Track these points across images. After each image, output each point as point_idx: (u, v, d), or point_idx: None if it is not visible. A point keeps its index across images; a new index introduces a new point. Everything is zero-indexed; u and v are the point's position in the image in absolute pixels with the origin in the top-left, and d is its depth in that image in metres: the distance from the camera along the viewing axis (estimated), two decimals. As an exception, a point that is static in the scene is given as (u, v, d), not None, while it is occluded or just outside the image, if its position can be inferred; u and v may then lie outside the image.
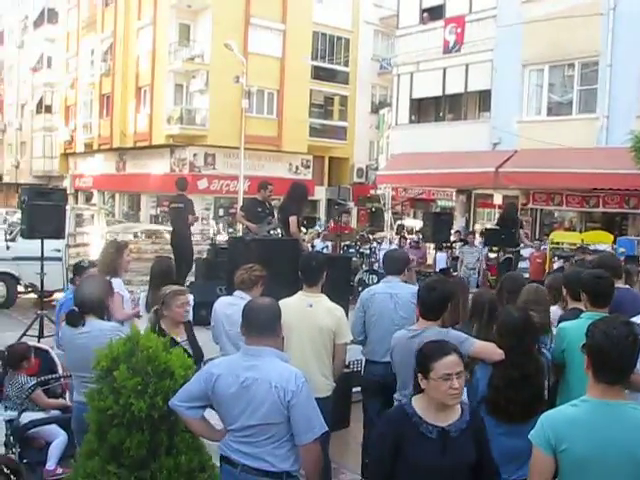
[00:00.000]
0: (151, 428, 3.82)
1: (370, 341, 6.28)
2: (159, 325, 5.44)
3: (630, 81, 17.95)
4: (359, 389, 7.63)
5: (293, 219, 10.22)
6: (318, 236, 18.83)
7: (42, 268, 11.14)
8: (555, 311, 5.83)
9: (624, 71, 18.09)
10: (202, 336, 7.15)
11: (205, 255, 14.04)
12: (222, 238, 22.17)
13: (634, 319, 4.88)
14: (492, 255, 17.91)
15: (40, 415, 6.22)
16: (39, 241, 11.03)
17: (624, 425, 3.05)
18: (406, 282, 6.49)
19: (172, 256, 11.67)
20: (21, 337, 10.39)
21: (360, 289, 14.66)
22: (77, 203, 39.62)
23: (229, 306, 6.05)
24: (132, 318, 6.66)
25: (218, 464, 4.04)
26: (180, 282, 7.87)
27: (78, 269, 7.22)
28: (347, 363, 7.28)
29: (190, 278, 13.45)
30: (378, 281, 14.53)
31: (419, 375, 3.54)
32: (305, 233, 14.31)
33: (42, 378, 6.23)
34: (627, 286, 6.59)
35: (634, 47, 17.79)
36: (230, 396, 3.79)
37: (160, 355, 3.95)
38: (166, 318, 5.50)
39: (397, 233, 25.43)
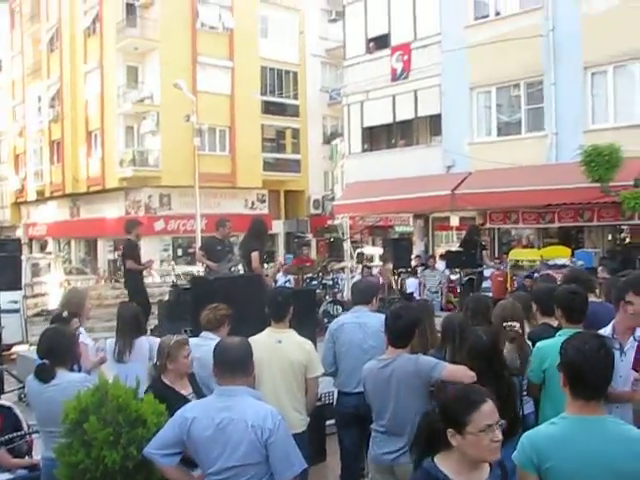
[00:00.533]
0: (126, 479, 3.73)
1: (341, 372, 6.24)
2: (161, 380, 5.07)
3: (574, 98, 18.36)
4: (333, 421, 7.58)
5: (255, 255, 10.22)
6: (279, 271, 18.75)
7: (0, 322, 10.88)
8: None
9: (568, 88, 18.50)
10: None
11: (167, 297, 13.82)
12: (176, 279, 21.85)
13: (602, 331, 4.94)
14: (454, 277, 18.03)
15: (6, 476, 6.01)
16: (-6, 294, 10.79)
17: (604, 439, 3.06)
18: (376, 311, 6.49)
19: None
20: (-18, 394, 10.10)
21: (325, 320, 14.63)
22: (32, 252, 38.97)
23: (197, 348, 5.94)
24: (98, 366, 6.53)
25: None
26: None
27: (59, 320, 6.96)
28: (319, 396, 7.21)
29: (153, 321, 13.27)
30: (343, 311, 14.62)
31: (449, 432, 3.02)
32: (267, 268, 14.20)
33: (6, 437, 6.02)
34: (600, 300, 6.61)
35: (575, 65, 18.22)
36: (206, 439, 3.72)
37: (131, 403, 3.88)
38: (170, 371, 5.06)
39: (358, 262, 25.52)
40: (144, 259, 13.02)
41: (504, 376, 4.66)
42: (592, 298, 5.87)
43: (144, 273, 13.30)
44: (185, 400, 4.60)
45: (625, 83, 17.91)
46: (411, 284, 17.94)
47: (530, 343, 5.32)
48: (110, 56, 35.22)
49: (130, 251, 12.37)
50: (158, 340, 6.68)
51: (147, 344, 6.54)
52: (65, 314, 6.76)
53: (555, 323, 5.51)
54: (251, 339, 4.85)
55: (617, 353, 4.72)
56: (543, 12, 19.03)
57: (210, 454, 3.74)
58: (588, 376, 3.09)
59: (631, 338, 4.89)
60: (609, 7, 17.50)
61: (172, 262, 30.70)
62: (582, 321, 4.96)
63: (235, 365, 3.86)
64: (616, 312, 5.04)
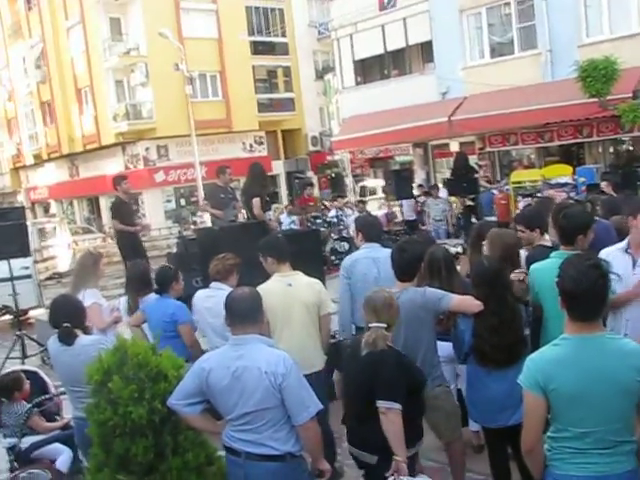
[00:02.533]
0: (154, 432, 3.86)
1: (357, 308, 6.33)
2: None
3: (567, 12, 18.06)
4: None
5: (256, 200, 10.25)
6: (283, 212, 18.74)
7: (14, 289, 11.01)
8: (522, 254, 5.91)
9: (560, 3, 18.19)
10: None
11: (175, 249, 13.88)
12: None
13: (618, 246, 4.98)
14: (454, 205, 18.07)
15: (40, 437, 6.21)
16: (6, 262, 10.90)
17: (605, 355, 3.16)
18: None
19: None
20: (5, 361, 10.31)
21: (333, 258, 14.75)
22: (36, 217, 39.05)
23: (208, 299, 6.08)
24: (112, 325, 6.65)
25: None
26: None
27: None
28: (332, 333, 7.34)
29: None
30: (350, 247, 14.69)
31: None
32: (272, 210, 14.16)
33: (35, 401, 6.19)
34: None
35: (567, -22, 17.92)
36: (224, 388, 3.84)
37: (150, 360, 3.99)
38: None
39: (361, 195, 25.52)
40: (148, 213, 12.95)
41: (508, 300, 4.78)
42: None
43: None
44: None
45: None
46: (407, 207, 18.12)
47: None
48: (90, 9, 34.51)
49: (117, 210, 11.90)
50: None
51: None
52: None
53: (549, 242, 5.60)
54: (261, 287, 4.95)
55: (630, 266, 4.81)
56: None
57: (228, 402, 3.86)
58: (586, 303, 3.17)
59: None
60: None
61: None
62: (575, 244, 4.96)
63: (245, 315, 3.95)
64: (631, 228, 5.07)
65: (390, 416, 3.96)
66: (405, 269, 5.00)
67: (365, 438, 4.21)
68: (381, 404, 3.99)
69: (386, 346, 4.14)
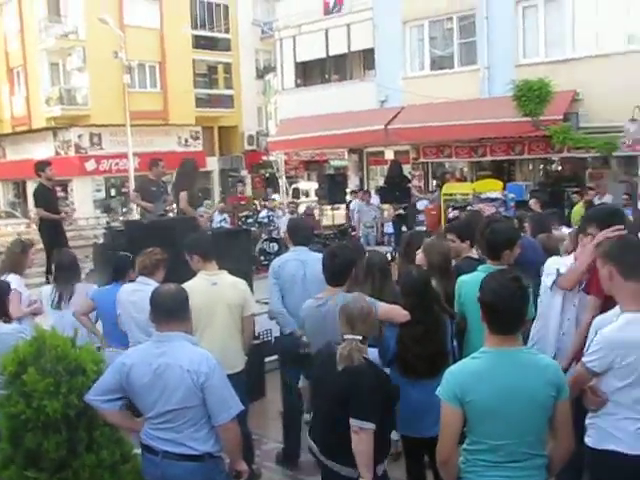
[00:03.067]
0: (68, 427, 3.77)
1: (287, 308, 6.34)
2: None
3: (506, 32, 18.44)
4: (271, 358, 7.74)
5: (183, 195, 10.18)
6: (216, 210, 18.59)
7: None
8: None
9: (500, 23, 18.55)
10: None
11: (101, 240, 13.61)
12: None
13: (564, 260, 5.07)
14: (385, 212, 18.28)
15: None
16: None
17: (522, 370, 3.25)
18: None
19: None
20: None
21: (262, 258, 14.73)
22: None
23: (134, 293, 5.99)
24: (30, 315, 6.48)
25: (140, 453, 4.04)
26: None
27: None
28: (257, 334, 7.33)
29: (88, 264, 13.12)
30: (279, 248, 14.70)
31: None
32: (204, 207, 13.99)
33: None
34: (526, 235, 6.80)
35: (507, -1, 18.32)
36: (145, 385, 3.79)
37: (69, 352, 3.90)
38: None
39: (293, 197, 25.57)
40: (77, 201, 12.66)
41: (434, 311, 4.83)
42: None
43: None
44: None
45: (555, 16, 18.02)
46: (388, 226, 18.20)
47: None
48: (27, -13, 33.68)
49: (40, 197, 11.63)
50: (94, 286, 6.68)
51: (83, 290, 6.52)
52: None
53: (476, 256, 5.71)
54: (186, 285, 4.89)
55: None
56: (475, -56, 18.95)
57: (148, 399, 3.81)
58: (506, 317, 3.26)
59: None
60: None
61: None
62: (502, 258, 5.08)
63: (170, 312, 3.91)
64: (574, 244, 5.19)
65: (362, 436, 3.82)
66: (336, 274, 5.01)
67: (340, 450, 3.99)
68: (355, 423, 3.82)
69: (362, 359, 3.96)
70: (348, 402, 3.84)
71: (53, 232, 11.41)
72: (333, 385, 3.96)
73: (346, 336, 4.00)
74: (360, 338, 3.98)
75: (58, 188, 16.28)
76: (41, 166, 11.72)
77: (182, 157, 11.75)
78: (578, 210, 12.06)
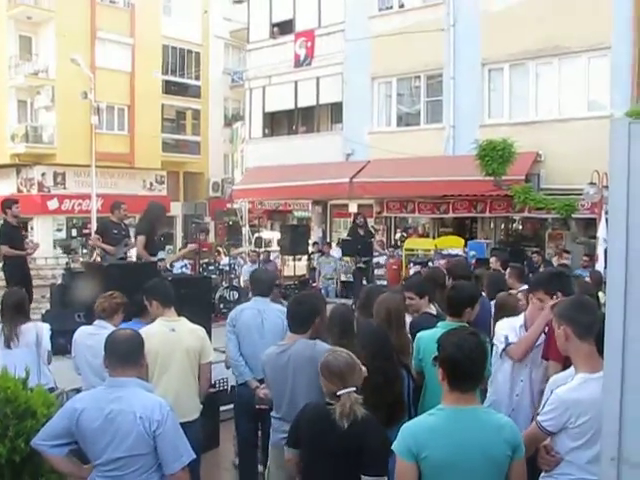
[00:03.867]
0: (12, 473, 3.67)
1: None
2: None
3: (472, 92, 18.90)
4: (226, 407, 7.64)
5: (140, 239, 10.15)
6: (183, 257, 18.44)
7: None
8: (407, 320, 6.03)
9: (466, 83, 19.01)
10: (63, 365, 6.94)
11: (60, 280, 13.43)
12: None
13: (499, 326, 5.12)
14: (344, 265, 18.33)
15: None
16: None
17: (478, 428, 3.25)
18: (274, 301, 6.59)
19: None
20: None
21: (222, 306, 14.62)
22: None
23: (90, 336, 5.92)
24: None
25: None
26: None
27: None
28: (213, 382, 7.25)
29: (45, 305, 12.91)
30: (239, 297, 14.63)
31: None
32: (167, 252, 13.90)
33: None
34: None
35: (473, 61, 18.78)
36: (95, 430, 3.71)
37: (20, 394, 3.82)
38: None
39: (256, 246, 25.51)
40: (37, 240, 12.50)
41: (393, 360, 4.84)
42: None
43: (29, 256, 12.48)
44: None
45: (520, 80, 18.54)
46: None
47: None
48: (1, 24, 33.57)
49: (5, 235, 11.46)
50: (46, 326, 6.57)
51: (34, 330, 6.39)
52: None
53: (434, 311, 5.75)
54: (144, 330, 4.84)
55: None
56: (445, 7, 19.49)
57: (98, 445, 3.73)
58: (467, 371, 3.28)
59: None
60: (507, 6, 18.06)
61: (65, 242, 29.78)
62: (462, 315, 5.16)
63: (125, 357, 3.87)
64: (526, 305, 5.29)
65: None
66: (300, 321, 4.98)
67: None
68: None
69: (364, 412, 3.79)
70: (358, 459, 3.69)
71: (18, 270, 11.26)
72: (339, 445, 3.75)
73: (339, 392, 3.80)
74: (354, 389, 3.85)
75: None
76: (7, 203, 11.63)
77: (146, 201, 11.69)
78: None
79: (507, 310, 5.81)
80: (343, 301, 13.49)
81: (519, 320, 5.12)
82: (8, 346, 6.29)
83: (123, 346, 3.90)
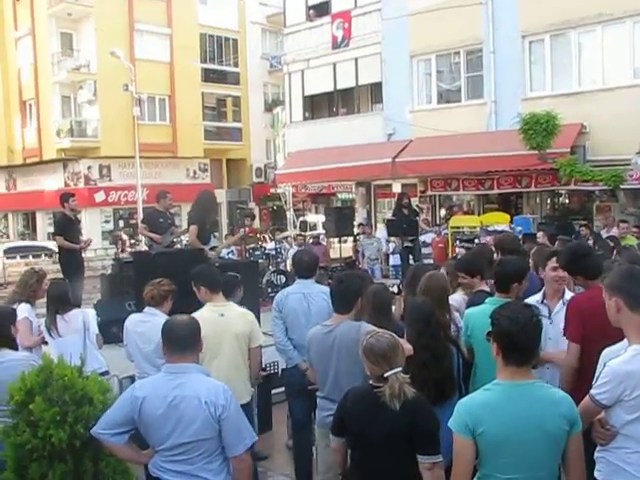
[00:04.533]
0: (74, 457, 3.76)
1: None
2: None
3: (513, 66, 18.60)
4: (278, 390, 7.71)
5: (193, 228, 10.25)
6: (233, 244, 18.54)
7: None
8: (456, 298, 6.00)
9: (506, 57, 18.72)
10: (115, 354, 7.08)
11: (109, 271, 13.66)
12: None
13: (532, 298, 5.15)
14: (392, 245, 18.25)
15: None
16: None
17: (533, 403, 3.23)
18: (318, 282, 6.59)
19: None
20: None
21: (269, 290, 14.69)
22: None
23: (140, 324, 6.01)
24: (39, 344, 6.50)
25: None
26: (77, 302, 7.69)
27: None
28: (264, 366, 7.30)
29: (96, 295, 13.16)
30: (286, 280, 14.68)
31: None
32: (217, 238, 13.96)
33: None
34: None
35: (513, 34, 18.46)
36: (158, 417, 3.76)
37: (76, 382, 3.89)
38: None
39: (301, 230, 25.61)
40: (86, 232, 12.73)
41: (440, 336, 4.84)
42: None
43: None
44: None
45: (561, 51, 18.18)
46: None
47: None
48: (42, 22, 34.19)
49: (60, 226, 11.95)
50: (92, 311, 6.75)
51: (81, 316, 6.53)
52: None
53: (488, 289, 5.72)
54: (193, 315, 4.89)
55: (545, 318, 4.97)
56: (481, -20, 19.16)
57: (162, 431, 3.78)
58: (522, 344, 3.25)
59: (560, 302, 5.15)
60: (546, -25, 17.70)
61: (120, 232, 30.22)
62: (510, 291, 5.11)
63: (184, 342, 3.91)
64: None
65: (436, 471, 3.64)
66: (342, 301, 5.00)
67: None
68: (425, 459, 3.62)
69: (414, 392, 3.75)
70: (411, 439, 3.64)
71: (73, 262, 11.53)
72: (391, 427, 3.67)
73: (387, 374, 3.72)
74: (400, 370, 3.78)
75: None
76: (65, 197, 12.01)
77: (191, 189, 11.83)
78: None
79: None
80: (390, 281, 13.49)
81: (538, 296, 5.20)
82: (57, 334, 6.43)
83: (182, 332, 3.94)
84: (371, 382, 3.84)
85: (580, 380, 4.29)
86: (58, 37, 34.52)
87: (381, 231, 19.17)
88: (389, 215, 20.83)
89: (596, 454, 3.59)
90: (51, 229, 34.73)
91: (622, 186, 15.86)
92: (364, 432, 3.78)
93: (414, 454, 3.64)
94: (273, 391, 7.91)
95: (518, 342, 3.24)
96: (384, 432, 3.68)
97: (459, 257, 9.07)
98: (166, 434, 3.78)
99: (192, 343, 3.96)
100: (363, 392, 3.92)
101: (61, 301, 6.54)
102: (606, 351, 3.78)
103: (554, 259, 5.19)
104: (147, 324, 5.88)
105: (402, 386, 3.70)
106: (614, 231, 14.33)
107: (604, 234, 13.92)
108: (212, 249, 10.93)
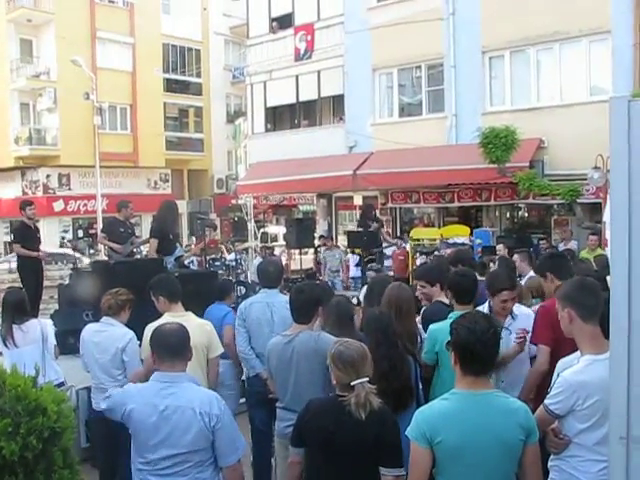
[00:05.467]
0: (26, 470, 3.66)
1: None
2: None
3: (473, 81, 18.85)
4: (239, 401, 7.65)
5: (152, 242, 10.23)
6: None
7: None
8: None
9: (467, 72, 18.96)
10: (72, 364, 6.98)
11: (67, 280, 13.46)
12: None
13: (480, 308, 5.22)
14: (355, 257, 18.31)
15: None
16: None
17: (491, 412, 3.27)
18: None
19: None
20: None
21: (230, 301, 14.60)
22: None
23: (97, 334, 5.95)
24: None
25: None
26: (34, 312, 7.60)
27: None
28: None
29: (53, 305, 12.95)
30: (246, 292, 14.60)
31: None
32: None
33: None
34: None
35: (474, 49, 18.72)
36: (149, 426, 3.73)
37: (30, 392, 3.80)
38: None
39: (262, 241, 25.55)
40: (44, 240, 12.59)
41: (398, 347, 4.84)
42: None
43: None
44: None
45: (521, 68, 18.49)
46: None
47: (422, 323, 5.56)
48: (1, 27, 33.58)
49: (19, 234, 11.95)
50: (49, 322, 6.65)
51: (38, 326, 6.44)
52: None
53: (447, 300, 5.77)
54: (150, 326, 4.85)
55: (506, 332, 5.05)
56: (443, -4, 19.41)
57: (149, 442, 3.74)
58: (479, 353, 3.28)
59: (509, 317, 5.26)
60: (507, -7, 18.00)
61: (74, 242, 29.86)
62: (472, 302, 5.20)
63: (174, 350, 3.89)
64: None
65: None
66: (301, 311, 5.03)
67: None
68: (389, 472, 3.57)
69: (380, 402, 3.69)
70: (374, 452, 3.60)
71: (33, 270, 11.45)
72: (355, 437, 3.61)
73: (354, 382, 3.68)
74: (367, 379, 3.73)
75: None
76: (23, 204, 11.98)
77: (151, 200, 11.80)
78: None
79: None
80: (351, 293, 13.49)
81: (485, 308, 5.32)
82: (13, 344, 6.32)
83: (172, 340, 3.91)
84: (337, 392, 3.79)
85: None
86: (17, 43, 33.98)
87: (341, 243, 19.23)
88: (350, 227, 20.89)
89: (550, 463, 3.64)
90: (8, 238, 34.17)
91: (579, 200, 16.14)
92: (328, 442, 3.70)
93: (377, 466, 3.61)
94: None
95: (475, 352, 3.27)
96: (349, 441, 3.64)
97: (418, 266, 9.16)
98: (155, 445, 3.74)
99: (182, 351, 3.94)
100: (327, 402, 3.89)
101: (17, 309, 6.43)
102: (560, 362, 3.84)
103: (505, 293, 5.26)
104: (104, 334, 5.82)
105: (368, 396, 3.64)
106: (571, 244, 14.57)
107: (561, 247, 14.14)
108: (177, 259, 10.88)
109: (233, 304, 7.61)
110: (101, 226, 25.43)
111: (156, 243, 10.16)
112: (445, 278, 5.79)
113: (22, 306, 6.52)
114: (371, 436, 3.58)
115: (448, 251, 13.63)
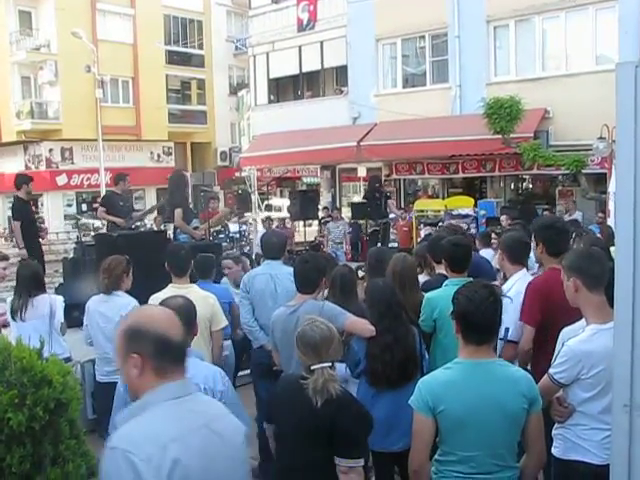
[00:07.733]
0: (33, 440, 3.69)
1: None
2: None
3: (477, 51, 18.69)
4: (243, 373, 7.70)
5: (178, 212, 10.19)
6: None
7: None
8: (421, 279, 6.05)
9: (471, 42, 18.80)
10: (77, 337, 7.00)
11: (72, 254, 13.47)
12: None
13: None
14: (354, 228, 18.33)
15: None
16: None
17: (493, 381, 3.28)
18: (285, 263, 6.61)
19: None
20: None
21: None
22: None
23: (102, 303, 5.98)
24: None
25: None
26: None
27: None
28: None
29: (58, 279, 12.99)
30: (250, 264, 14.63)
31: None
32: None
33: None
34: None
35: (478, 19, 18.55)
36: None
37: (35, 364, 3.82)
38: None
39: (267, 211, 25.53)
40: (48, 215, 12.55)
41: (402, 318, 4.84)
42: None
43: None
44: None
45: (526, 37, 18.32)
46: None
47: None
48: (-2, -1, 33.41)
49: (18, 211, 11.59)
50: (60, 298, 6.63)
51: (48, 301, 6.44)
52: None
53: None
54: (153, 297, 4.86)
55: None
56: (447, -36, 19.18)
57: None
58: (479, 322, 3.28)
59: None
60: (511, -41, 17.78)
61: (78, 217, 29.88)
62: (464, 270, 5.19)
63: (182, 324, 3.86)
64: None
65: (352, 475, 3.50)
66: (305, 280, 5.03)
67: None
68: (343, 463, 3.48)
69: (340, 390, 3.60)
70: (330, 440, 3.51)
71: (31, 247, 11.32)
72: (310, 422, 3.55)
73: (313, 367, 3.59)
74: (329, 365, 3.63)
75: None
76: (23, 179, 11.62)
77: (154, 172, 11.79)
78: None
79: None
80: (355, 264, 13.51)
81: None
82: (16, 318, 6.34)
83: (178, 315, 3.89)
84: (302, 373, 3.71)
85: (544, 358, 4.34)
86: (16, 15, 33.68)
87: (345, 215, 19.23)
88: (354, 198, 20.86)
89: (554, 431, 3.65)
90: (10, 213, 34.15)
91: (584, 171, 16.06)
92: (286, 422, 3.69)
93: (332, 456, 3.52)
94: (239, 373, 7.90)
95: (475, 321, 3.28)
96: (300, 425, 3.60)
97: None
98: None
99: (187, 325, 3.90)
100: (291, 381, 3.81)
101: (33, 282, 6.42)
102: (565, 330, 3.84)
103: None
104: (109, 303, 5.86)
105: (327, 383, 3.55)
106: (576, 215, 14.53)
107: (566, 218, 14.10)
108: (195, 229, 10.89)
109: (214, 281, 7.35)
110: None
111: (181, 212, 10.15)
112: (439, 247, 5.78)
113: (38, 279, 6.52)
114: (326, 424, 3.50)
115: (452, 222, 13.63)
